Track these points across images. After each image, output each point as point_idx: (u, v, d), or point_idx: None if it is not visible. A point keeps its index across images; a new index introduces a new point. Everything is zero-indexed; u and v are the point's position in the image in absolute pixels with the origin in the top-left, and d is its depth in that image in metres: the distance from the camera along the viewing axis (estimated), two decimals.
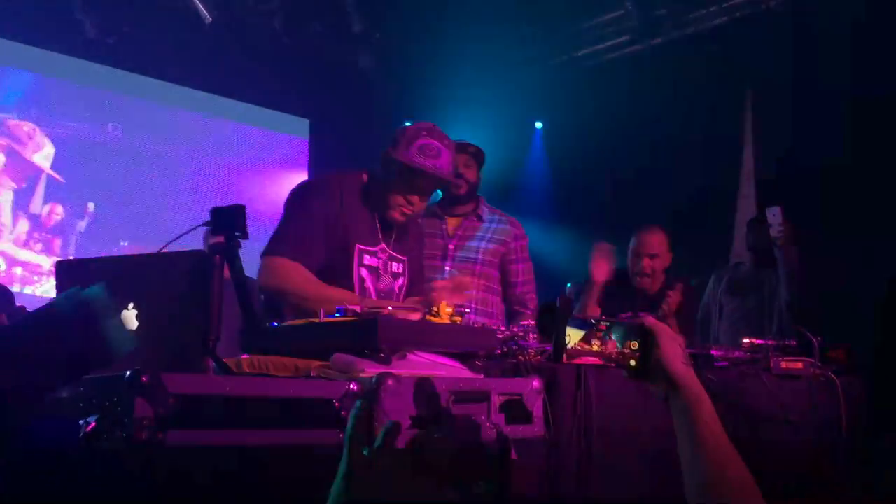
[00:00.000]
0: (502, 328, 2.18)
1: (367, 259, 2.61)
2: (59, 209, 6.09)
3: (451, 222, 3.67)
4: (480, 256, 3.62)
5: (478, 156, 3.68)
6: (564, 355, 1.32)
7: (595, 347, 1.33)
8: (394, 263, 2.71)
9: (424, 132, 2.58)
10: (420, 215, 2.80)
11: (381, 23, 6.24)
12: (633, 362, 1.33)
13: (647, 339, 1.31)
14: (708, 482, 1.17)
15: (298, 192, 2.65)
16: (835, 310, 4.07)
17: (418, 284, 2.78)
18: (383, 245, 2.68)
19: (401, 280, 2.73)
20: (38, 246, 5.94)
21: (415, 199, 2.61)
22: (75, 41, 5.86)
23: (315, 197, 2.60)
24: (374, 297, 2.55)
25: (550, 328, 1.34)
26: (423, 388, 1.66)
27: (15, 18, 5.53)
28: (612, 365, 1.33)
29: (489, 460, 1.50)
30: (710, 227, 4.87)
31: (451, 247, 3.63)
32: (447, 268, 3.60)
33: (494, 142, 3.83)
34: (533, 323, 2.31)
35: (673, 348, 1.29)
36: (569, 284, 5.97)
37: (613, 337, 1.33)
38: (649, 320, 1.33)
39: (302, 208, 2.57)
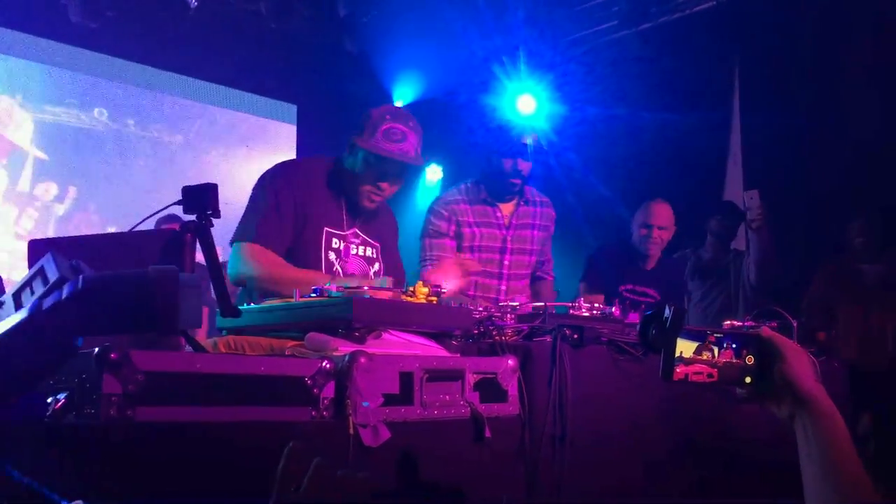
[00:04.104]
0: (479, 308, 2.17)
1: (335, 242, 2.59)
2: (45, 194, 6.06)
3: (505, 209, 3.44)
4: (538, 247, 3.48)
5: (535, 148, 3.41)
6: (675, 369, 1.17)
7: (705, 358, 1.19)
8: (367, 248, 2.69)
9: (388, 116, 2.55)
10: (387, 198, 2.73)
11: (366, 7, 6.21)
12: (748, 379, 1.20)
13: (768, 353, 1.19)
14: None
15: (264, 178, 2.60)
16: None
17: (393, 272, 2.74)
18: (355, 230, 2.66)
19: (376, 265, 2.71)
20: (24, 232, 5.91)
21: (384, 185, 2.59)
22: (60, 26, 5.82)
23: (281, 182, 2.56)
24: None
25: (658, 341, 1.19)
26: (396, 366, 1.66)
27: None
28: (720, 383, 1.19)
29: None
30: (696, 208, 4.89)
31: (508, 237, 3.41)
32: (506, 261, 3.39)
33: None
34: (520, 303, 2.29)
35: (801, 362, 1.16)
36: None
37: (725, 349, 1.19)
38: (767, 331, 1.20)
39: (268, 194, 2.53)
